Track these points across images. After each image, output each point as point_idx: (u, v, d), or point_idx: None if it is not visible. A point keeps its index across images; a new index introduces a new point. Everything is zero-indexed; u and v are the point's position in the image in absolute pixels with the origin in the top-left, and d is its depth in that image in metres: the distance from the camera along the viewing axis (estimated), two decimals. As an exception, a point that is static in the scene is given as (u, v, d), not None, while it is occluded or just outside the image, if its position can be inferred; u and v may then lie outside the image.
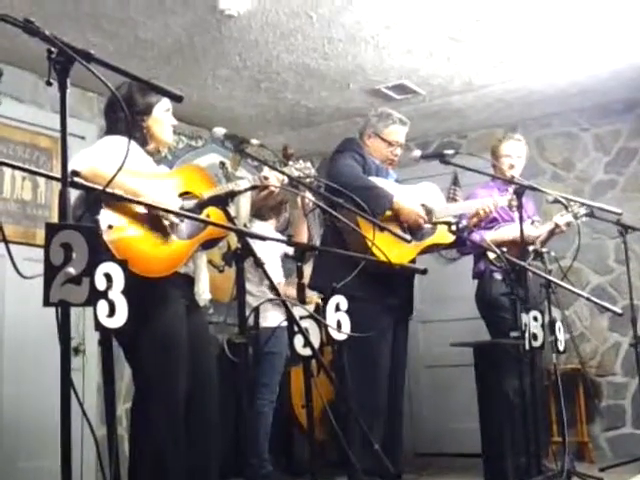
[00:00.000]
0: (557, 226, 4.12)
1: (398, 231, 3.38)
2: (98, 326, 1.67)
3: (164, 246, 2.68)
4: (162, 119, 2.92)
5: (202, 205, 2.65)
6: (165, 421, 2.66)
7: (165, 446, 2.65)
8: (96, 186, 1.91)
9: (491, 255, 3.92)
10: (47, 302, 1.53)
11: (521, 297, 3.31)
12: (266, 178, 2.94)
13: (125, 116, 2.69)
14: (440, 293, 5.77)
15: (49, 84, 1.61)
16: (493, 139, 4.51)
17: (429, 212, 3.70)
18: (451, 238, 3.69)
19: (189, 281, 2.87)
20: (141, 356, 2.69)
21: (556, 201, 3.89)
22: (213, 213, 2.68)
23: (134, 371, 2.80)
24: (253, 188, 2.88)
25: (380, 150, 3.86)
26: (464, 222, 3.84)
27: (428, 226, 3.69)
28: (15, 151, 4.49)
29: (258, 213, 5.25)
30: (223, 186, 2.93)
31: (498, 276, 3.94)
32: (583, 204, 4.03)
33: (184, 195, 2.84)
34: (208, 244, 2.90)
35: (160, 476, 2.63)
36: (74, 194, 2.03)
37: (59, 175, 1.63)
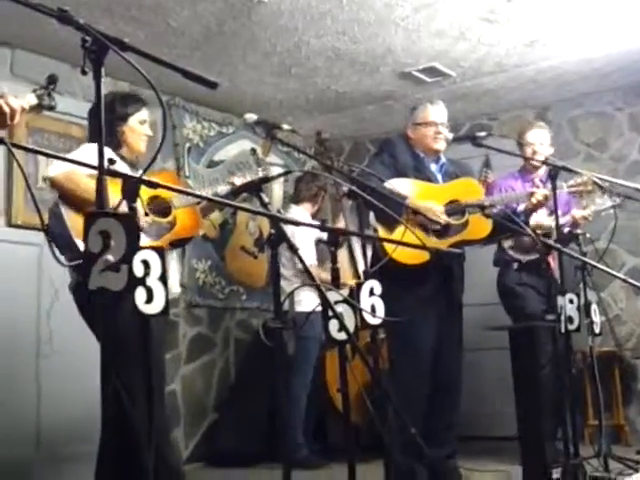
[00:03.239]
0: (574, 219, 4.11)
1: (422, 224, 3.38)
2: (136, 313, 1.68)
3: None
4: (137, 129, 3.15)
5: (235, 192, 2.67)
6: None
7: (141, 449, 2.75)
8: (132, 174, 1.93)
9: (505, 244, 4.12)
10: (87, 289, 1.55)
11: (555, 280, 3.28)
12: None
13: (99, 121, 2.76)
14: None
15: (84, 73, 1.62)
16: (520, 126, 4.46)
17: (457, 204, 3.64)
18: (486, 232, 3.61)
19: None
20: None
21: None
22: (180, 214, 2.90)
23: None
24: (286, 173, 2.89)
25: (424, 136, 3.81)
26: (522, 206, 3.85)
27: (459, 222, 3.62)
28: (49, 140, 4.54)
29: (295, 196, 5.27)
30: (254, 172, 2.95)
31: (514, 265, 4.15)
32: (617, 185, 3.96)
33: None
34: (177, 244, 3.02)
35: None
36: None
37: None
